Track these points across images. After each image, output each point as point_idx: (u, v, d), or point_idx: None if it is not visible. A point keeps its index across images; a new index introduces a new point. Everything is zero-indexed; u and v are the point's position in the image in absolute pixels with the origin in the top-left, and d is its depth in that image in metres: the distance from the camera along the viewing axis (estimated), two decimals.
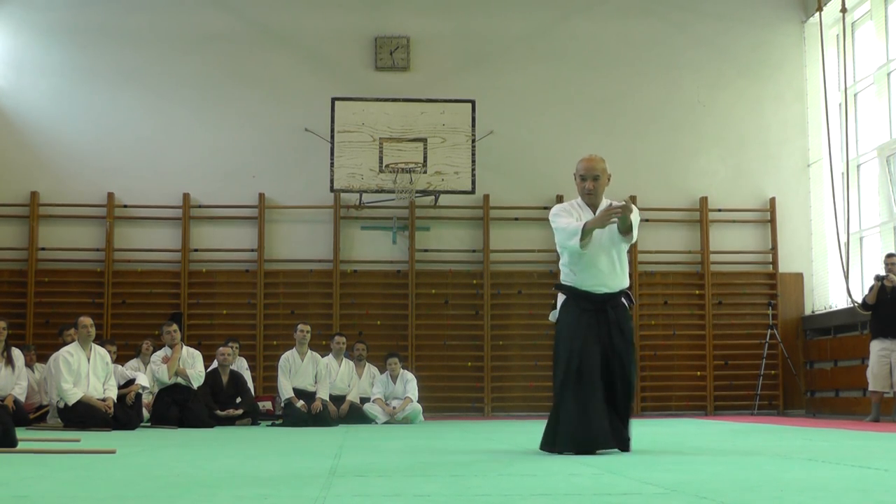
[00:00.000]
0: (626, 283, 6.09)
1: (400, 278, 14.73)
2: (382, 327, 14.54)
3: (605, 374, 5.86)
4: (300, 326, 11.82)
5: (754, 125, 15.38)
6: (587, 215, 5.99)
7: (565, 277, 6.11)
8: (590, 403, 5.73)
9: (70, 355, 10.06)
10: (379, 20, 15.17)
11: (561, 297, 6.14)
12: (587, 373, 5.80)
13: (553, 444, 5.77)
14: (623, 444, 5.91)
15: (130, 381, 10.83)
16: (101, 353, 10.30)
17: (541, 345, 14.67)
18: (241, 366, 12.94)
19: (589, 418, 5.70)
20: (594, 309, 5.96)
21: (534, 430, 9.68)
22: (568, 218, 6.00)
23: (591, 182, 6.03)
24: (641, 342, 14.65)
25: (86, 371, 10.09)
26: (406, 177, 13.73)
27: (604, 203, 6.01)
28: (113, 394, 10.21)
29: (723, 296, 14.99)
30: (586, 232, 5.80)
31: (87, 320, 10.28)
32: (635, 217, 5.84)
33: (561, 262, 6.16)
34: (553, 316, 6.18)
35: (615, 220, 5.74)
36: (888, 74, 13.96)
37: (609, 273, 6.00)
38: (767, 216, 15.13)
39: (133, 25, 14.99)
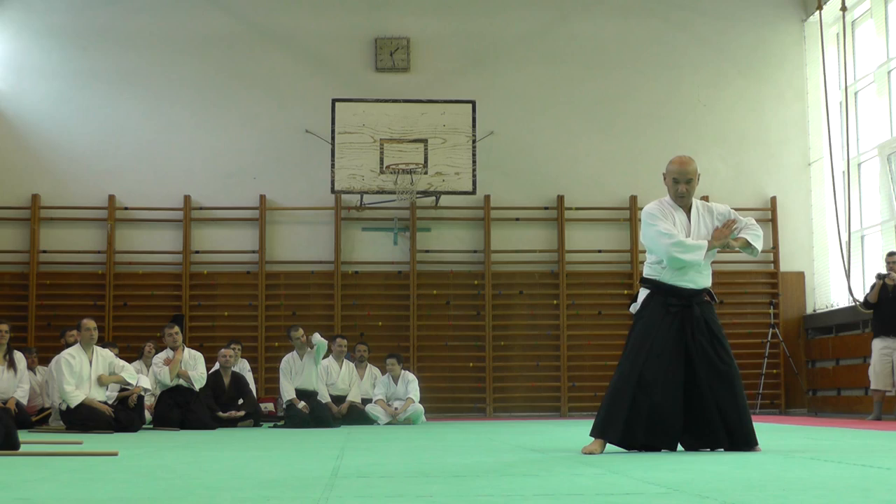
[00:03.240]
0: (709, 281, 6.11)
1: (401, 279, 14.73)
2: (384, 328, 14.54)
3: (687, 371, 5.87)
4: (292, 333, 11.76)
5: (755, 124, 15.38)
6: (680, 216, 6.04)
7: (652, 272, 6.07)
8: (655, 399, 5.76)
9: (72, 358, 10.06)
10: (379, 21, 15.17)
11: (643, 293, 6.10)
12: (660, 367, 5.82)
13: (602, 431, 5.79)
14: (734, 443, 5.83)
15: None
16: (103, 355, 10.29)
17: (542, 345, 14.69)
18: (243, 367, 12.94)
19: (655, 414, 5.74)
20: (681, 304, 5.97)
21: (536, 430, 9.68)
22: (666, 223, 6.00)
23: (684, 185, 6.05)
24: None
25: (87, 374, 10.08)
26: (407, 178, 13.73)
27: (694, 206, 6.08)
28: (144, 384, 10.32)
29: (724, 295, 14.95)
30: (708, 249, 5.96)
31: (90, 322, 10.27)
32: (751, 234, 6.08)
33: (648, 259, 6.12)
34: (633, 308, 6.13)
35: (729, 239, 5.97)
36: (888, 73, 13.95)
37: (696, 269, 6.00)
38: (768, 215, 15.12)
39: (133, 28, 15.00)
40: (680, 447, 5.91)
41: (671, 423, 5.78)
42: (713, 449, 5.86)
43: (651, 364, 5.84)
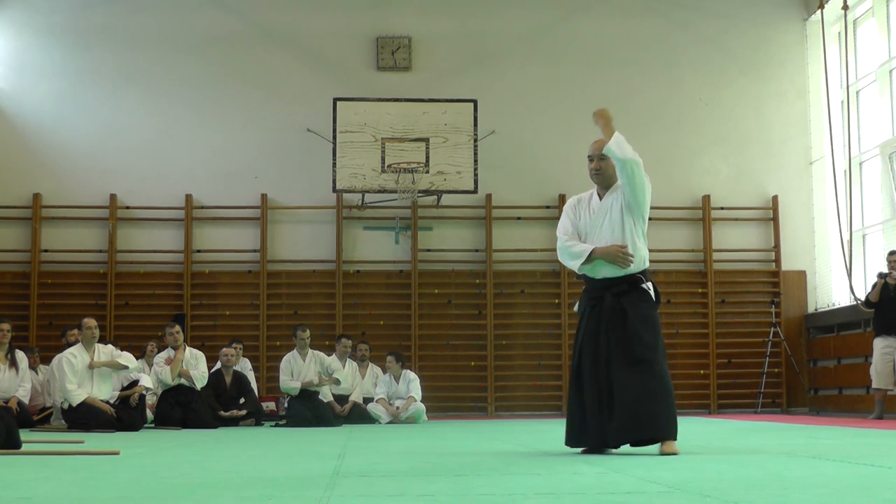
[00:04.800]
0: (634, 267, 5.71)
1: (402, 278, 14.73)
2: (385, 327, 14.54)
3: (604, 366, 5.60)
4: (299, 333, 11.78)
5: (756, 123, 15.37)
6: (594, 203, 5.83)
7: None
8: (584, 400, 5.65)
9: (73, 357, 10.07)
10: (380, 20, 15.17)
11: None
12: (584, 368, 5.69)
13: (567, 440, 5.79)
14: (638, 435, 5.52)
15: (134, 383, 10.83)
16: (104, 353, 10.30)
17: (544, 344, 14.69)
18: (245, 367, 12.95)
19: (584, 416, 5.64)
20: (596, 297, 5.76)
21: (537, 429, 9.69)
22: (566, 222, 5.85)
23: (596, 162, 5.85)
24: None
25: (90, 372, 10.09)
26: (408, 177, 13.73)
27: (615, 188, 5.80)
28: (127, 362, 10.31)
29: (726, 294, 14.99)
30: (592, 257, 5.68)
31: (90, 321, 10.29)
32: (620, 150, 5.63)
33: None
34: (576, 307, 6.01)
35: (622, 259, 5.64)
36: (890, 72, 13.94)
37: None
38: (770, 214, 15.12)
39: (135, 27, 14.99)
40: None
41: (590, 425, 5.60)
42: (615, 447, 5.59)
43: (580, 366, 5.73)
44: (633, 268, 5.73)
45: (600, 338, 5.67)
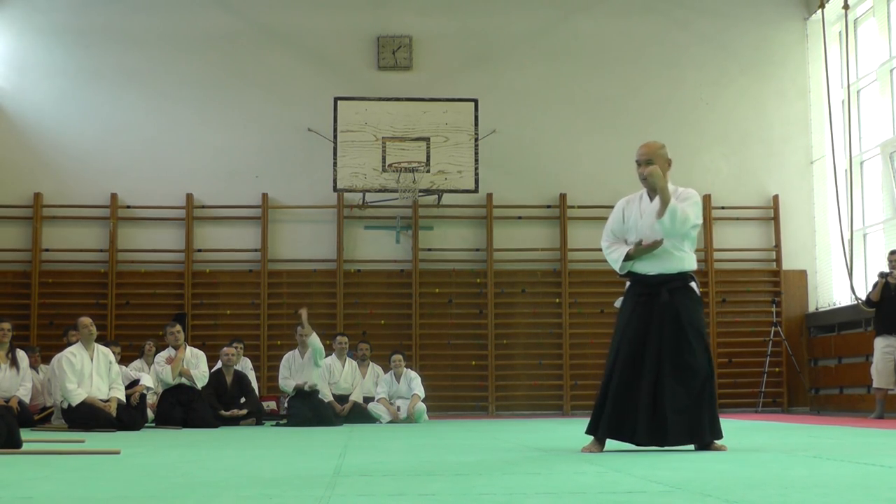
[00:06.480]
0: (685, 266, 5.91)
1: (403, 278, 14.73)
2: (386, 327, 14.55)
3: (653, 365, 5.71)
4: (300, 330, 11.79)
5: (757, 123, 15.37)
6: (645, 204, 5.95)
7: (628, 262, 5.98)
8: (629, 394, 5.67)
9: (73, 356, 10.07)
10: (381, 20, 15.17)
11: (627, 286, 6.06)
12: (629, 362, 5.74)
13: (595, 429, 5.77)
14: (694, 438, 5.70)
15: (135, 382, 10.84)
16: (103, 352, 10.30)
17: (545, 343, 14.69)
18: (245, 366, 12.95)
19: (626, 409, 5.66)
20: (648, 293, 5.86)
21: (538, 428, 9.68)
22: (610, 228, 6.03)
23: (644, 167, 5.91)
24: None
25: (89, 371, 10.08)
26: (409, 176, 13.73)
27: (670, 188, 5.89)
28: (119, 394, 10.20)
29: (726, 293, 14.98)
30: (630, 256, 5.87)
31: (86, 320, 10.29)
32: (677, 208, 5.76)
33: None
34: (617, 303, 6.07)
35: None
36: (891, 71, 13.94)
37: (661, 255, 5.85)
38: (771, 214, 15.11)
39: (136, 26, 15.00)
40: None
41: (632, 418, 5.66)
42: (661, 446, 5.69)
43: (620, 360, 5.79)
44: (685, 266, 5.91)
45: (652, 334, 5.78)
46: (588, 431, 5.84)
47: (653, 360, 5.73)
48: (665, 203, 5.76)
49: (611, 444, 5.86)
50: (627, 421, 5.69)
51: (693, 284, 5.92)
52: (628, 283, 6.04)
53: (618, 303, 6.09)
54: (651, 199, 5.96)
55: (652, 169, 5.82)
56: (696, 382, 5.71)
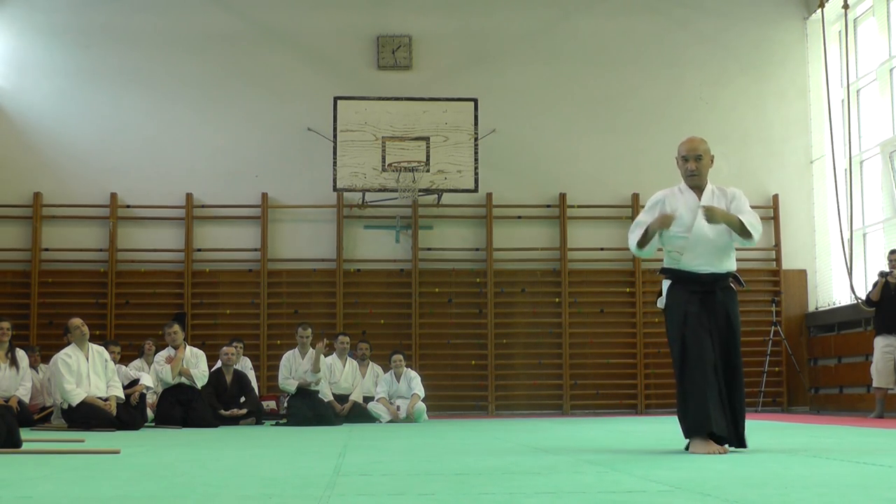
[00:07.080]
0: (733, 265, 5.99)
1: (403, 277, 14.73)
2: (386, 326, 14.55)
3: (718, 359, 5.72)
4: (300, 331, 11.80)
5: (757, 122, 15.37)
6: (689, 198, 5.91)
7: (670, 261, 5.95)
8: (706, 388, 5.57)
9: (69, 357, 10.06)
10: (381, 19, 15.17)
11: (666, 283, 5.98)
12: (704, 356, 5.67)
13: (701, 426, 5.58)
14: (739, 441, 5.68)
15: (134, 382, 10.83)
16: (98, 351, 10.30)
17: (544, 343, 14.68)
18: (245, 366, 12.95)
19: (707, 402, 5.53)
20: (702, 291, 5.84)
21: (538, 428, 9.68)
22: (648, 215, 5.91)
23: (693, 162, 5.91)
24: (645, 340, 14.66)
25: (86, 371, 10.08)
26: (409, 176, 13.73)
27: (708, 188, 5.92)
28: (117, 392, 10.20)
29: None
30: (649, 234, 5.79)
31: (76, 321, 10.29)
32: (742, 215, 5.84)
33: (665, 247, 5.99)
34: (660, 302, 5.99)
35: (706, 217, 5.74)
36: (891, 70, 13.94)
37: (714, 253, 5.90)
38: (771, 213, 15.11)
39: (136, 26, 15.00)
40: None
41: (720, 413, 5.57)
42: (738, 448, 5.68)
43: (690, 350, 5.69)
44: (733, 266, 6.06)
45: (711, 331, 5.79)
46: (694, 433, 5.59)
47: (716, 358, 5.73)
48: (736, 225, 5.84)
49: (611, 444, 5.85)
50: (719, 415, 5.57)
51: (733, 284, 6.01)
52: (669, 282, 5.94)
53: (660, 303, 6.00)
54: (698, 196, 5.92)
55: (712, 216, 5.75)
56: (742, 384, 5.82)
